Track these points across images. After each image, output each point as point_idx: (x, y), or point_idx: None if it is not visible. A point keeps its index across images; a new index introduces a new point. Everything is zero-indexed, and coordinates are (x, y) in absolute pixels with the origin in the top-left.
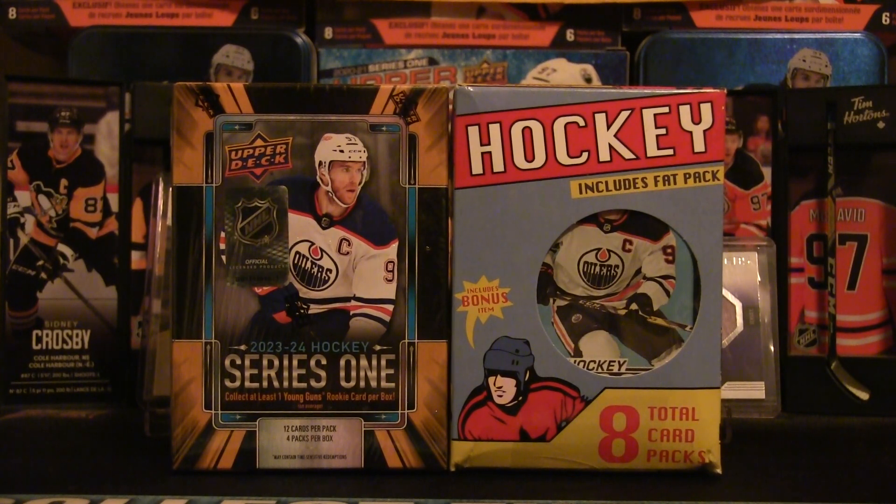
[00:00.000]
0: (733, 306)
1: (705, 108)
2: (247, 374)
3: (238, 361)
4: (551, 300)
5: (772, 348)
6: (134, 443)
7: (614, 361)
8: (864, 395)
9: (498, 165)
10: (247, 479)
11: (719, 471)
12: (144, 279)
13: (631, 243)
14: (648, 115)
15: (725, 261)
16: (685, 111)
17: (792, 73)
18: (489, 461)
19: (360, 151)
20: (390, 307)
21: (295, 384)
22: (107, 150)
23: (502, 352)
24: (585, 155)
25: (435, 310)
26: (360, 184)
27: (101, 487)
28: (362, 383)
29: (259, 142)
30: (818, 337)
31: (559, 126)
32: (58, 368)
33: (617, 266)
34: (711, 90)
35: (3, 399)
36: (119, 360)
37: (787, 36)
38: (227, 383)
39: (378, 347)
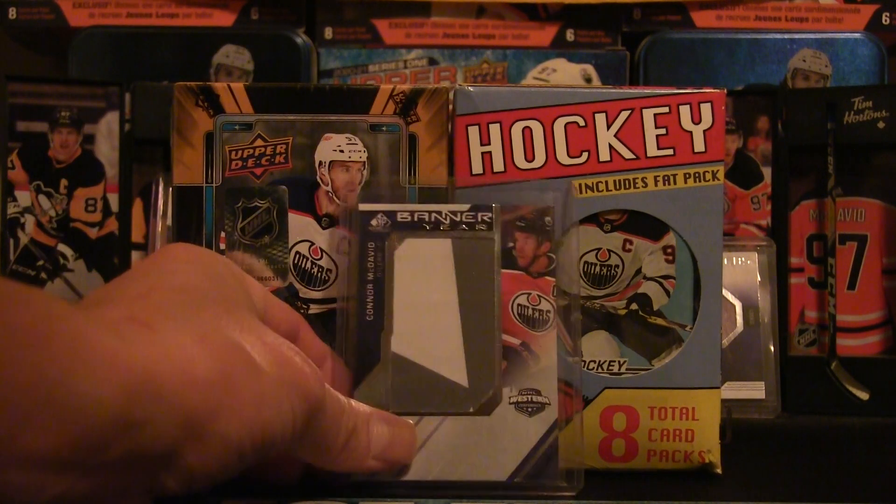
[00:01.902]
0: (733, 306)
1: (705, 108)
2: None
3: None
4: None
5: (772, 348)
6: None
7: (614, 361)
8: (864, 395)
9: (498, 165)
10: (247, 479)
11: (719, 471)
12: None
13: (631, 243)
14: (648, 115)
15: (725, 261)
16: (685, 111)
17: (792, 73)
18: None
19: (360, 151)
20: None
21: None
22: (107, 150)
23: None
24: (585, 155)
25: None
26: (360, 184)
27: None
28: None
29: (259, 142)
30: (818, 337)
31: (559, 126)
32: None
33: (617, 266)
34: (711, 90)
35: None
36: None
37: (787, 36)
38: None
39: None
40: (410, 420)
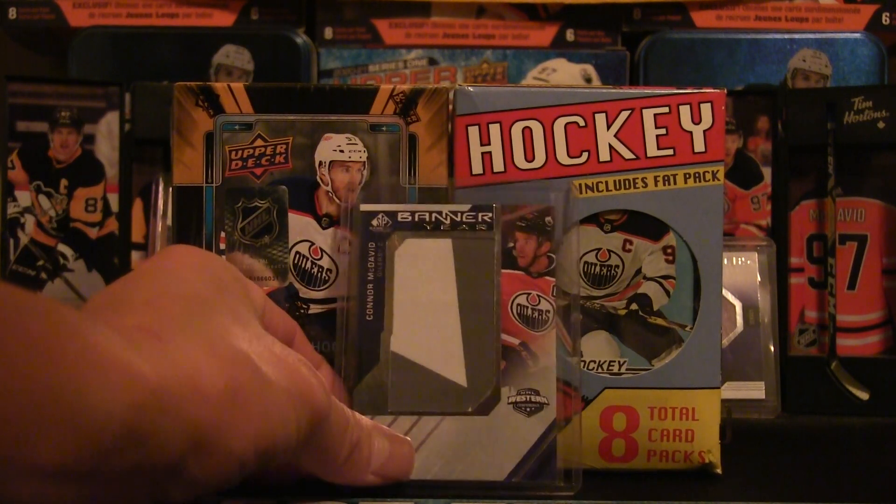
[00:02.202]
0: (733, 306)
1: (705, 108)
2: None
3: None
4: None
5: (772, 348)
6: None
7: (614, 361)
8: (864, 395)
9: (498, 165)
10: (247, 479)
11: (719, 471)
12: None
13: (631, 243)
14: (648, 115)
15: (725, 261)
16: (685, 111)
17: (792, 73)
18: None
19: (360, 151)
20: None
21: None
22: (107, 150)
23: None
24: (585, 155)
25: None
26: (360, 184)
27: None
28: None
29: (259, 142)
30: (818, 337)
31: (559, 126)
32: None
33: (617, 266)
34: (711, 90)
35: None
36: None
37: (787, 36)
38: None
39: None
40: (409, 419)
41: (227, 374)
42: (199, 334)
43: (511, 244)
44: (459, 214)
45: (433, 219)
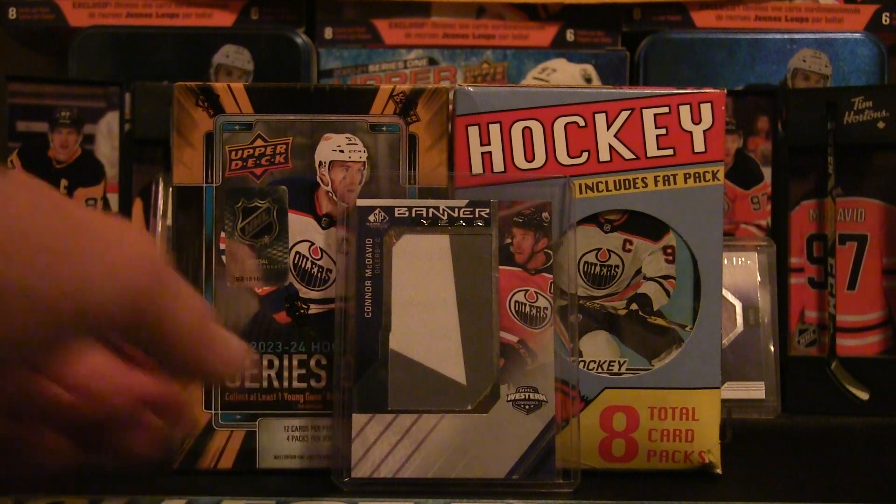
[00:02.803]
0: (733, 306)
1: (705, 108)
2: (247, 374)
3: None
4: None
5: (772, 348)
6: None
7: (614, 361)
8: (864, 395)
9: (498, 165)
10: (247, 479)
11: (719, 471)
12: None
13: (631, 243)
14: (648, 115)
15: (725, 261)
16: (685, 111)
17: (792, 73)
18: None
19: (360, 151)
20: None
21: (295, 384)
22: (107, 150)
23: None
24: (585, 155)
25: None
26: (360, 184)
27: (102, 487)
28: None
29: (259, 142)
30: (818, 337)
31: (559, 126)
32: None
33: (617, 266)
34: (711, 90)
35: None
36: None
37: (787, 36)
38: (228, 383)
39: None
40: (409, 417)
41: (46, 216)
42: (21, 177)
43: (508, 240)
44: (456, 210)
45: (430, 214)
